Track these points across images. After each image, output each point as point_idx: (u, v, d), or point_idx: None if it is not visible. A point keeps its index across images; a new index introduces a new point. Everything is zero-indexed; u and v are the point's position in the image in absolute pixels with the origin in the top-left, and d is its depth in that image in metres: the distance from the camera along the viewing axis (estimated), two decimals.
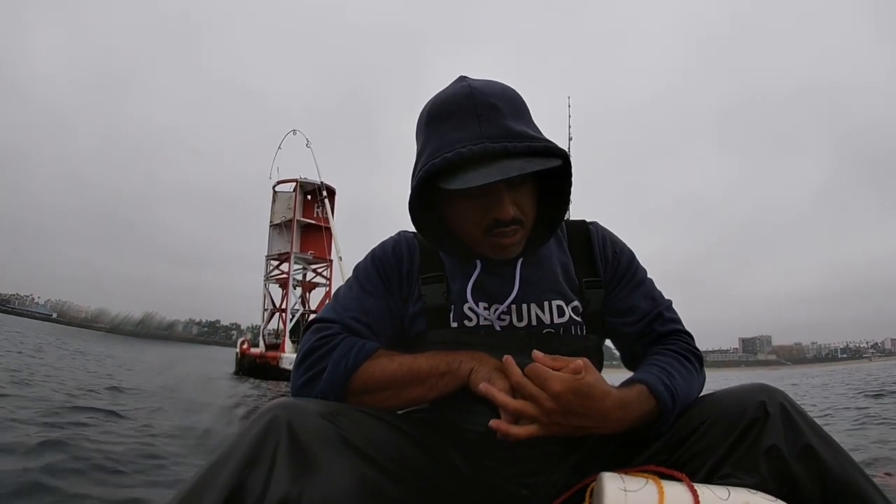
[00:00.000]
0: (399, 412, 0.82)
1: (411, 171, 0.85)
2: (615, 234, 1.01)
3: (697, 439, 0.75)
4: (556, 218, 0.91)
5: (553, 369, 0.71)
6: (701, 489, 0.66)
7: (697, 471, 0.72)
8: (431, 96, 0.86)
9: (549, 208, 0.90)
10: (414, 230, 0.91)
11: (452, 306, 0.89)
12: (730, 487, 0.67)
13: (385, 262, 0.92)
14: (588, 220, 1.00)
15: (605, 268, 0.95)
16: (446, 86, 0.85)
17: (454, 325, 0.88)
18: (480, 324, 0.88)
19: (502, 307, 0.88)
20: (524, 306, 0.89)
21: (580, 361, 0.71)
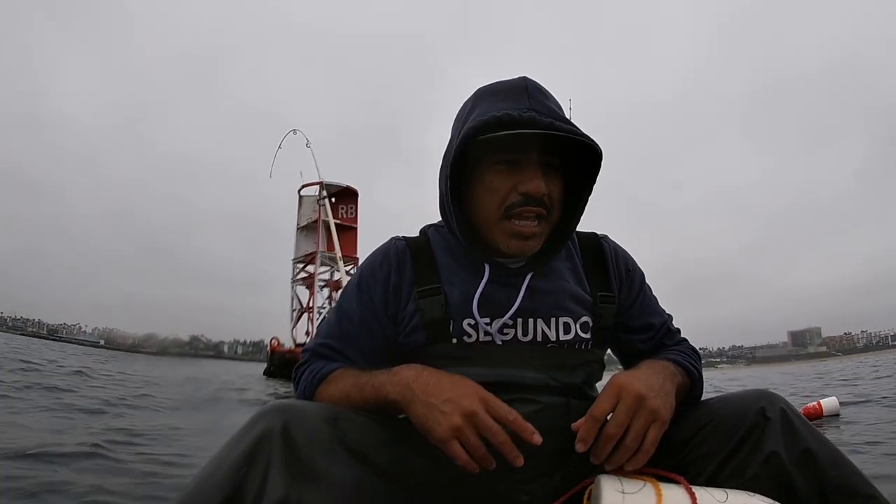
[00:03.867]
0: (400, 416, 0.79)
1: (443, 156, 0.86)
2: (626, 249, 1.00)
3: (697, 444, 0.75)
4: (569, 226, 0.88)
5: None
6: (699, 492, 0.66)
7: (697, 476, 0.72)
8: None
9: (563, 217, 0.88)
10: (405, 237, 0.94)
11: (451, 321, 0.85)
12: (728, 490, 0.67)
13: (370, 281, 0.90)
14: (598, 233, 0.99)
15: (619, 285, 0.94)
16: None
17: (454, 340, 0.86)
18: (481, 339, 0.85)
19: (504, 319, 0.85)
20: (530, 321, 0.87)
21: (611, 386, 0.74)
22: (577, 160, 0.84)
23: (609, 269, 0.93)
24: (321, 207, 20.31)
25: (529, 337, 0.86)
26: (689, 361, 0.87)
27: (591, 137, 0.79)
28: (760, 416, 0.71)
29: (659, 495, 0.65)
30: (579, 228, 0.91)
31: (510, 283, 0.86)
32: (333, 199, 21.15)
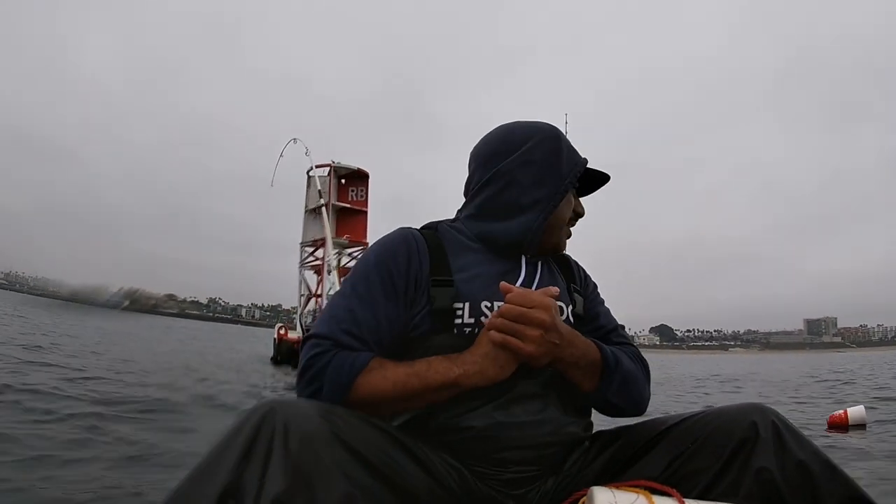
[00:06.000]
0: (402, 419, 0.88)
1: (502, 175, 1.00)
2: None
3: (688, 459, 0.76)
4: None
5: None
6: None
7: (690, 491, 0.72)
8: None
9: None
10: (416, 227, 1.01)
11: (459, 309, 0.90)
12: None
13: (391, 264, 0.91)
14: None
15: (581, 284, 1.10)
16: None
17: (455, 331, 0.89)
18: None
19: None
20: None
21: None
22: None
23: (574, 271, 1.10)
24: (330, 189, 19.98)
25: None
26: (613, 351, 0.93)
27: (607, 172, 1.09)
28: (752, 431, 0.72)
29: None
30: None
31: (531, 264, 1.01)
32: (343, 181, 20.82)
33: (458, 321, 0.89)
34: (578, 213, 1.07)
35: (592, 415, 0.98)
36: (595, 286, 1.14)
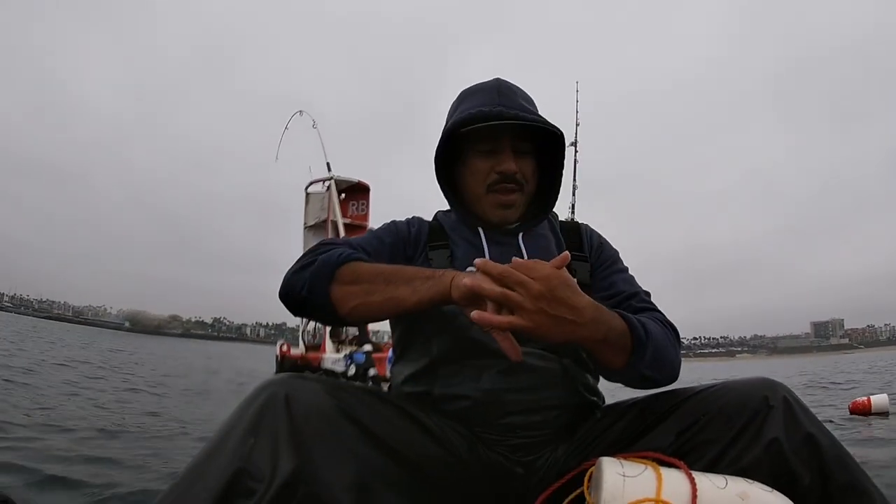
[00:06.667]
0: (389, 396, 0.86)
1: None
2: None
3: (699, 431, 0.76)
4: (550, 199, 1.06)
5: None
6: (699, 477, 0.66)
7: (697, 461, 0.73)
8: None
9: (545, 195, 1.06)
10: (426, 218, 1.08)
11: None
12: (727, 477, 0.67)
13: (398, 225, 1.04)
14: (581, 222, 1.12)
15: (590, 252, 1.05)
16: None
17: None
18: None
19: None
20: None
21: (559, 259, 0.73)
22: (550, 145, 1.02)
23: (583, 239, 1.06)
24: (330, 205, 20.07)
25: None
26: (639, 319, 0.84)
27: (553, 124, 0.97)
28: (763, 404, 0.72)
29: (659, 479, 0.66)
30: (564, 219, 1.12)
31: (504, 241, 1.00)
32: (343, 196, 20.88)
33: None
34: (502, 173, 0.96)
35: (601, 382, 0.96)
36: (615, 253, 1.07)
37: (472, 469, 0.82)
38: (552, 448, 0.87)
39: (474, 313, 0.69)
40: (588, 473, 0.74)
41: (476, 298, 0.72)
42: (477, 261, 0.73)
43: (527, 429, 0.86)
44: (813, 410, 0.74)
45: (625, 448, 0.79)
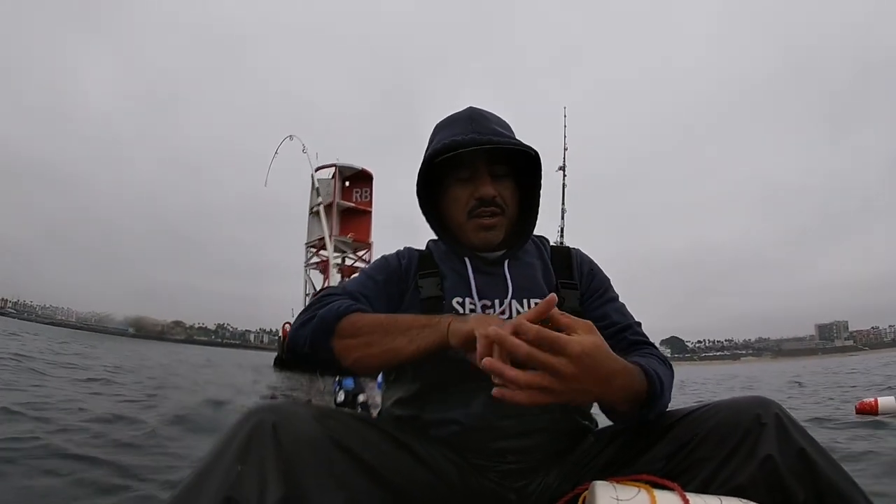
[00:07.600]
0: (378, 420, 0.85)
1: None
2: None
3: (692, 451, 0.75)
4: (530, 218, 1.05)
5: (562, 324, 0.67)
6: (693, 499, 0.65)
7: (691, 482, 0.72)
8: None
9: (527, 216, 1.06)
10: (417, 247, 1.09)
11: (444, 301, 0.97)
12: (722, 497, 0.66)
13: (389, 260, 1.06)
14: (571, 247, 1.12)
15: (580, 279, 1.04)
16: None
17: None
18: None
19: (500, 308, 0.97)
20: (506, 301, 0.97)
21: (588, 322, 0.69)
22: (527, 167, 1.03)
23: (573, 266, 1.06)
24: (335, 190, 20.17)
25: (506, 316, 0.95)
26: (656, 370, 0.80)
27: (527, 144, 0.98)
28: (755, 422, 0.71)
29: (653, 502, 0.65)
30: (554, 243, 1.13)
31: (489, 271, 1.01)
32: (348, 182, 21.02)
33: (444, 310, 0.95)
34: (480, 198, 0.98)
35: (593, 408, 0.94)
36: (606, 280, 1.06)
37: (464, 496, 0.82)
38: (544, 473, 0.86)
39: (495, 391, 0.65)
40: (581, 498, 0.74)
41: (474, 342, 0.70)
42: (517, 319, 0.66)
43: (518, 454, 0.86)
44: (816, 410, 0.73)
45: (618, 471, 0.79)
